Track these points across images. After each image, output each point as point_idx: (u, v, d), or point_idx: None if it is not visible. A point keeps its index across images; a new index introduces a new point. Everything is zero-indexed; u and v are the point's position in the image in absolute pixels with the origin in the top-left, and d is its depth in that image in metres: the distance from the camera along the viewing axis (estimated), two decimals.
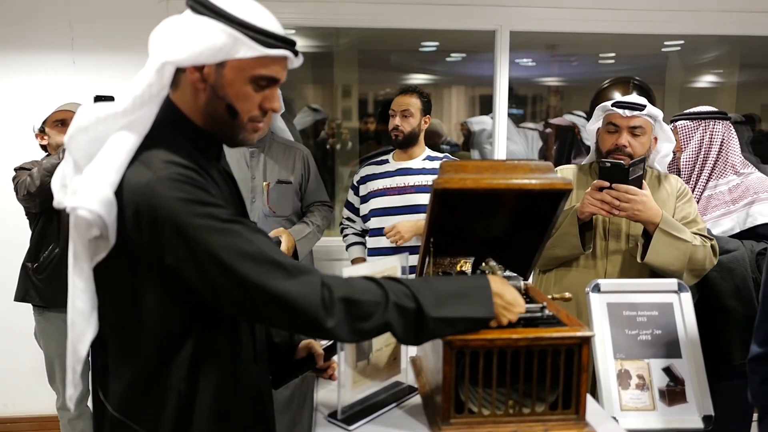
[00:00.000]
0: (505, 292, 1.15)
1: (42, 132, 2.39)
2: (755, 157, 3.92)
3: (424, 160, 2.45)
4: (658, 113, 2.00)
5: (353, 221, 2.59)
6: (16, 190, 2.33)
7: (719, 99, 4.34)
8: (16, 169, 2.38)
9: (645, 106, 1.95)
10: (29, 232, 2.44)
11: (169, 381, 1.03)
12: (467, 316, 1.08)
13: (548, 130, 4.08)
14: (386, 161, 2.53)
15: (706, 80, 4.49)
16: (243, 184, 2.38)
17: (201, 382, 1.05)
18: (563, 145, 3.77)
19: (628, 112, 1.95)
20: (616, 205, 1.78)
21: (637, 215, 1.79)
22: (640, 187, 1.80)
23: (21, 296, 2.42)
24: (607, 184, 1.79)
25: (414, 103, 2.41)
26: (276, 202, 2.40)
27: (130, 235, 0.98)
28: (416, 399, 1.33)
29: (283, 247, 2.30)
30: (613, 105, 1.99)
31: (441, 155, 2.51)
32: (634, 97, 2.01)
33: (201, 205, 0.97)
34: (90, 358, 1.10)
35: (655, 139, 2.03)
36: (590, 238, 1.92)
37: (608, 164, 1.79)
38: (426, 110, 2.44)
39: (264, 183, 2.39)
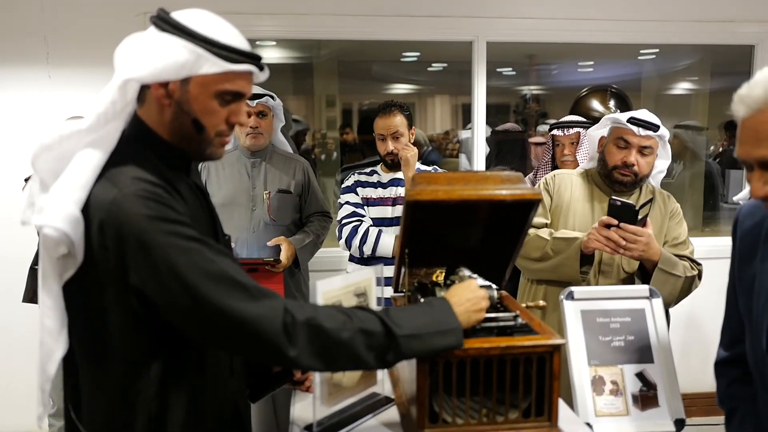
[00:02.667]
0: (462, 296, 1.16)
1: None
2: (716, 164, 3.99)
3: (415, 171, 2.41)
4: (667, 133, 1.99)
5: (364, 216, 2.43)
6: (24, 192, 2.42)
7: (693, 106, 4.43)
8: (25, 179, 2.46)
9: (659, 126, 1.94)
10: (28, 239, 2.43)
11: (138, 400, 1.02)
12: (435, 330, 1.08)
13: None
14: (375, 172, 2.49)
15: (680, 87, 4.58)
16: (244, 193, 2.42)
17: (171, 401, 1.04)
18: (507, 153, 3.75)
19: (642, 131, 1.93)
20: (621, 244, 1.78)
21: (640, 256, 1.82)
22: (644, 226, 1.81)
23: (29, 297, 2.49)
24: (615, 221, 1.78)
25: (400, 121, 2.35)
26: (276, 211, 2.44)
27: (95, 252, 0.98)
28: (393, 410, 1.33)
29: (283, 255, 2.31)
30: (628, 121, 1.95)
31: (430, 168, 2.49)
32: (650, 116, 1.97)
33: (166, 222, 0.97)
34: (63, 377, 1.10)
35: (656, 155, 2.04)
36: (588, 270, 1.93)
37: (618, 203, 1.78)
38: (410, 123, 2.41)
39: (265, 192, 2.43)
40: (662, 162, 2.09)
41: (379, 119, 2.38)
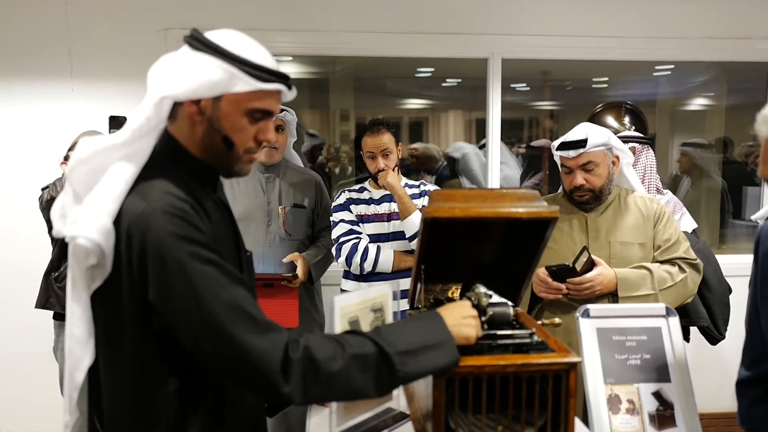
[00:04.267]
0: (455, 311, 1.17)
1: (66, 160, 2.53)
2: (723, 180, 3.98)
3: (404, 187, 2.40)
4: (603, 139, 1.98)
5: (361, 233, 2.41)
6: (40, 201, 2.47)
7: (709, 122, 4.41)
8: (42, 189, 2.52)
9: (586, 140, 1.94)
10: (43, 247, 2.57)
11: (158, 414, 1.04)
12: (426, 344, 1.08)
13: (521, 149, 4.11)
14: (365, 189, 2.48)
15: (696, 103, 4.57)
16: (260, 208, 2.44)
17: (190, 416, 1.05)
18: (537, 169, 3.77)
19: (572, 153, 1.96)
20: (573, 295, 1.91)
21: (598, 294, 1.90)
22: (591, 267, 1.89)
23: (42, 303, 2.53)
24: (560, 284, 1.91)
25: (389, 139, 2.35)
26: (291, 226, 2.46)
27: (122, 265, 1.00)
28: (408, 426, 1.34)
29: (299, 271, 2.34)
30: (557, 149, 2.01)
31: (417, 182, 2.49)
32: (576, 134, 1.98)
33: (187, 242, 0.99)
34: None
35: (617, 157, 2.05)
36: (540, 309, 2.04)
37: (554, 268, 1.90)
38: (397, 140, 2.40)
39: (280, 207, 2.46)
40: (626, 163, 2.10)
41: (368, 138, 2.37)
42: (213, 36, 1.07)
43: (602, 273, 1.89)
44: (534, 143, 3.90)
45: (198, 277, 0.97)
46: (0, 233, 2.92)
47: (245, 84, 1.05)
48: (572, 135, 1.99)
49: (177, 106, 1.07)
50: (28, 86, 2.88)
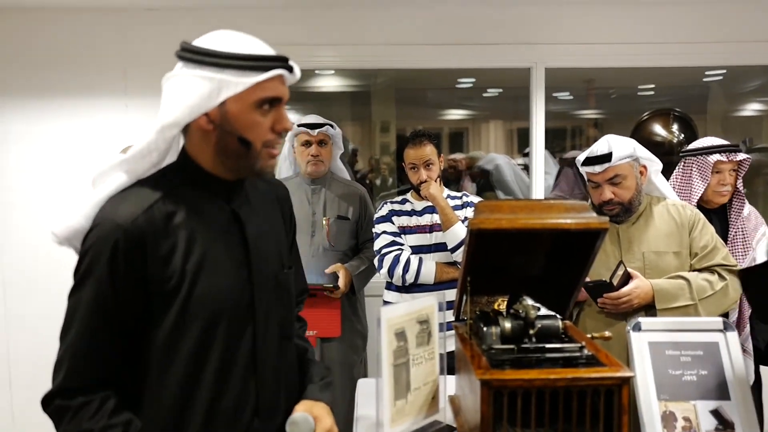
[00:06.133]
0: None
1: None
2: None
3: (446, 198, 2.39)
4: (629, 150, 1.94)
5: (403, 244, 2.40)
6: None
7: (765, 127, 4.24)
8: None
9: (610, 154, 1.90)
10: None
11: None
12: None
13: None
14: (407, 200, 2.49)
15: (750, 109, 4.40)
16: (304, 219, 2.49)
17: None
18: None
19: (598, 168, 1.92)
20: (609, 310, 1.89)
21: (638, 306, 1.86)
22: (627, 280, 1.85)
23: None
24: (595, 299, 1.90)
25: (431, 150, 2.36)
26: (335, 237, 2.51)
27: None
28: None
29: (341, 282, 2.37)
30: (582, 164, 1.98)
31: (459, 194, 2.47)
32: (601, 147, 1.94)
33: (76, 273, 1.07)
34: None
35: (644, 167, 2.00)
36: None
37: (591, 284, 1.87)
38: (439, 151, 2.41)
39: (324, 218, 2.51)
40: (654, 170, 2.05)
41: (410, 150, 2.38)
42: (199, 42, 1.08)
43: (639, 286, 1.85)
44: (566, 155, 3.84)
45: (70, 304, 1.07)
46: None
47: (236, 85, 1.04)
48: (596, 149, 1.96)
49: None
50: (85, 103, 3.02)
